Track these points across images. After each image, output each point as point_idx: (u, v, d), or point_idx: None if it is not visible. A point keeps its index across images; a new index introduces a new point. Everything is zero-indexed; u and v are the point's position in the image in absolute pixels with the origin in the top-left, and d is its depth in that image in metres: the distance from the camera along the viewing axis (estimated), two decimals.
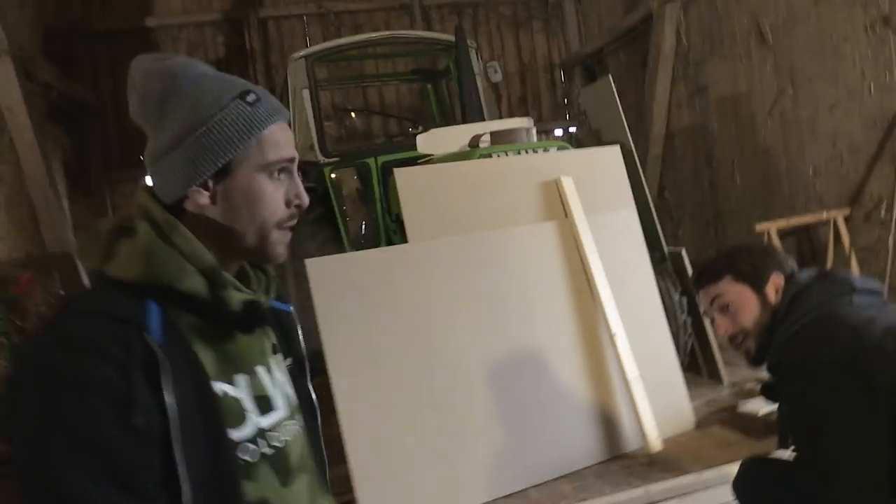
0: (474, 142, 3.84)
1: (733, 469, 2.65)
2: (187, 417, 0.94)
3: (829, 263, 5.11)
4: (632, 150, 4.18)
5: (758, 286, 1.69)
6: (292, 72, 5.41)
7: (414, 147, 4.20)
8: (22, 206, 6.26)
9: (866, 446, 1.39)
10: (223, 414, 1.01)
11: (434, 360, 2.94)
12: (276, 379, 1.16)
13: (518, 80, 9.10)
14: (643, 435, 3.15)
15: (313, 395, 1.28)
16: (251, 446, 1.05)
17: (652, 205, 4.33)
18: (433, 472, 2.80)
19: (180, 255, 1.01)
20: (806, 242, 5.61)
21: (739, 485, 1.76)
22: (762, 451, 1.72)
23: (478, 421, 2.95)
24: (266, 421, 1.10)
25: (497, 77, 5.90)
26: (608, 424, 3.20)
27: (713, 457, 3.00)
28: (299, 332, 1.29)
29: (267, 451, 1.08)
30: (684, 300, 4.01)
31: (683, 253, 4.23)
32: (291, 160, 1.09)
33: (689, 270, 4.25)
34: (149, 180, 1.09)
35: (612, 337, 3.23)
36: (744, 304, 1.69)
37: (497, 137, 3.73)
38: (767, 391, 1.73)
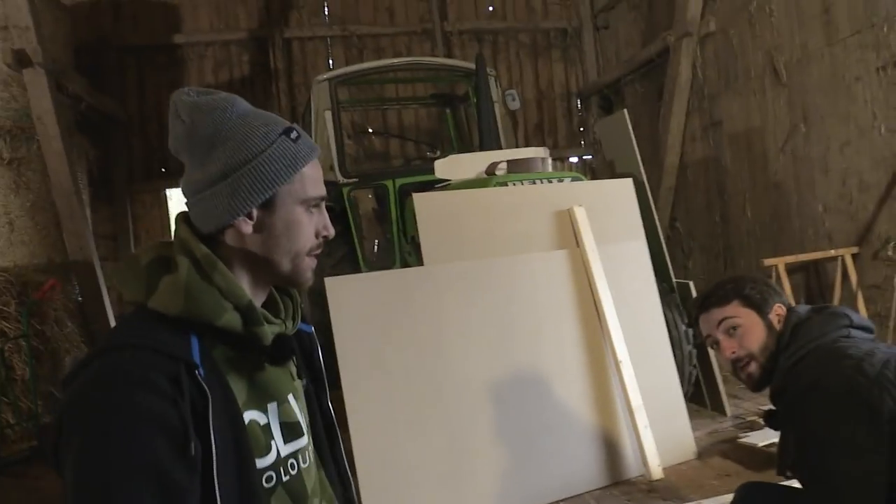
0: (491, 169, 3.96)
1: (728, 498, 2.73)
2: (225, 448, 1.01)
3: (836, 300, 5.17)
4: (644, 183, 4.28)
5: (763, 313, 1.75)
6: (316, 93, 5.56)
7: (431, 171, 4.31)
8: (46, 213, 6.42)
9: (869, 472, 1.45)
10: (252, 444, 1.08)
11: (444, 379, 3.03)
12: (301, 404, 1.24)
13: (535, 107, 9.24)
14: (644, 462, 3.22)
15: (332, 416, 1.34)
16: (272, 473, 1.12)
17: (662, 237, 4.42)
18: (438, 490, 2.88)
19: (218, 293, 1.07)
20: (814, 278, 5.67)
21: None
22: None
23: (483, 441, 3.03)
24: (289, 448, 1.17)
25: (515, 105, 6.03)
26: (610, 450, 3.27)
27: (713, 487, 3.07)
28: (319, 352, 1.36)
29: (285, 478, 1.14)
30: (690, 332, 4.08)
31: (691, 285, 4.31)
32: (324, 197, 1.20)
33: None
34: (186, 208, 1.15)
35: (617, 364, 3.31)
36: (751, 328, 1.75)
37: (514, 166, 3.85)
38: (769, 419, 1.77)
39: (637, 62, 7.95)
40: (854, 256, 5.11)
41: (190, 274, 1.07)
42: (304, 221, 1.15)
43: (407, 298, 3.06)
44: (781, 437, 1.70)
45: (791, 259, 5.25)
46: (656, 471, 3.20)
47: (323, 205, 1.19)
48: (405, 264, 4.69)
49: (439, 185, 4.27)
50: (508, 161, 3.89)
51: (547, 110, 9.28)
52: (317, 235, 1.18)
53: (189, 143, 1.12)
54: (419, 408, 2.95)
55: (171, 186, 8.71)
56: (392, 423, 2.90)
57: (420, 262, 3.28)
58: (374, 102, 8.11)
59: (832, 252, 5.18)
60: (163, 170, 8.56)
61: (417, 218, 3.26)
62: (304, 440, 1.21)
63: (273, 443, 1.13)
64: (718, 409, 4.05)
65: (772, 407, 1.79)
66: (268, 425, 1.13)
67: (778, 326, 1.74)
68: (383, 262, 5.17)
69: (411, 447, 2.85)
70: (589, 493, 3.12)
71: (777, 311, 1.76)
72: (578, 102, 9.41)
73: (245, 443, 1.06)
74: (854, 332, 1.67)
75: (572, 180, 3.77)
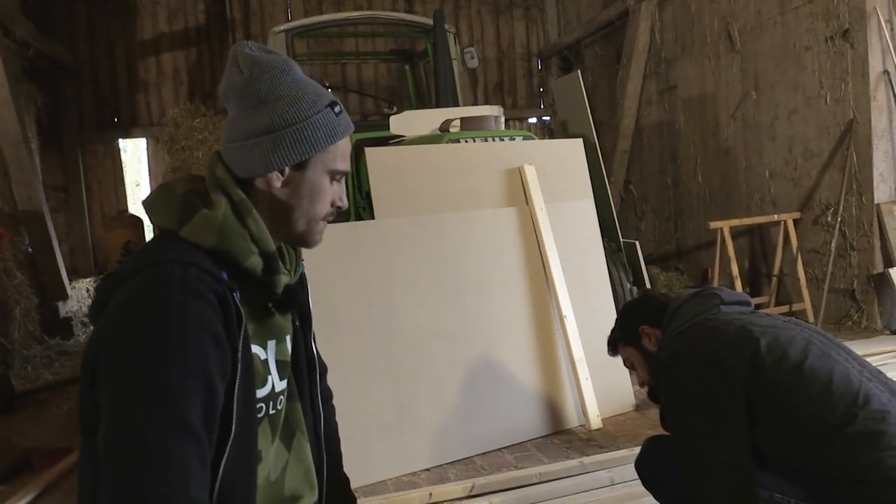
0: (444, 126, 3.99)
1: None
2: (244, 371, 1.11)
3: (778, 263, 5.38)
4: (595, 144, 4.36)
5: (636, 345, 1.98)
6: (272, 45, 5.47)
7: (388, 127, 4.32)
8: None
9: (725, 428, 1.63)
10: (255, 373, 1.18)
11: (392, 332, 3.10)
12: (294, 345, 1.34)
13: (496, 66, 9.23)
14: (584, 413, 3.36)
15: (315, 351, 1.43)
16: (263, 405, 1.22)
17: (611, 197, 4.53)
18: (385, 438, 2.97)
19: (248, 236, 1.17)
20: (758, 242, 5.87)
21: (640, 462, 1.97)
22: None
23: (429, 392, 3.12)
24: (281, 385, 1.29)
25: (474, 63, 6.04)
26: (552, 401, 3.40)
27: (647, 436, 3.21)
28: (309, 292, 1.44)
29: (271, 411, 1.25)
30: (634, 290, 4.23)
31: (637, 245, 4.44)
32: (347, 172, 1.29)
33: (643, 262, 4.47)
34: (224, 151, 1.22)
35: (562, 319, 3.42)
36: (635, 361, 2.01)
37: (466, 123, 3.88)
38: (652, 394, 2.00)
39: (597, 24, 7.98)
40: (796, 221, 5.30)
41: (227, 214, 1.16)
42: (326, 189, 1.25)
43: (356, 252, 3.10)
44: (661, 408, 1.88)
45: (736, 222, 5.43)
46: (595, 421, 3.34)
47: (343, 179, 1.29)
48: (359, 219, 4.72)
49: (394, 140, 4.28)
50: (462, 118, 3.92)
51: (507, 70, 9.28)
52: (332, 204, 1.27)
53: (242, 93, 1.19)
54: (366, 359, 3.01)
55: (124, 137, 8.52)
56: (339, 374, 2.95)
57: (373, 217, 3.32)
58: (332, 56, 8.01)
59: (775, 217, 5.37)
60: (115, 120, 8.36)
61: (370, 172, 3.28)
62: (289, 380, 1.33)
63: (269, 377, 1.24)
64: None
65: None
66: (266, 361, 1.24)
67: (651, 346, 1.94)
68: (339, 217, 5.17)
69: (358, 397, 2.92)
70: (530, 442, 3.25)
71: (644, 333, 1.95)
72: (539, 63, 9.42)
73: (252, 371, 1.16)
74: (725, 308, 1.85)
75: (524, 139, 3.82)
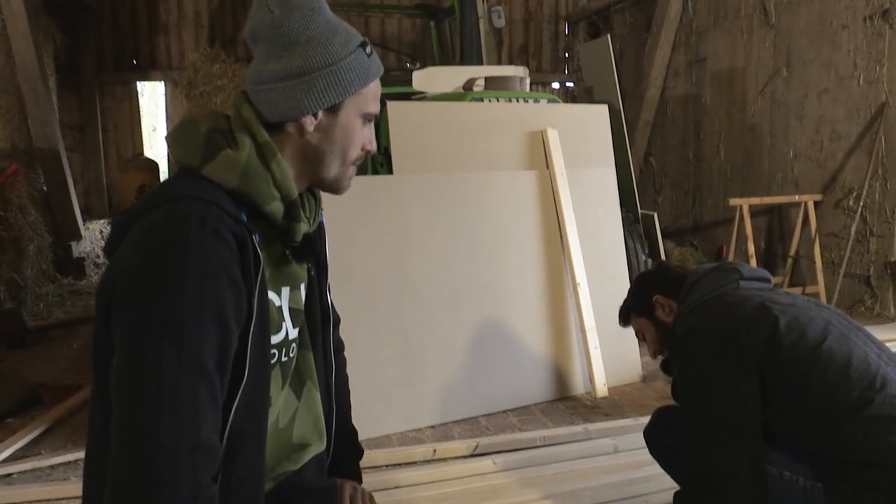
0: (468, 85, 3.92)
1: None
2: (260, 315, 1.09)
3: (794, 245, 5.31)
4: (620, 112, 4.28)
5: (649, 315, 1.95)
6: None
7: (410, 83, 4.25)
8: (10, 96, 6.22)
9: (738, 406, 1.61)
10: (270, 319, 1.16)
11: (405, 287, 3.09)
12: (308, 295, 1.32)
13: (522, 28, 9.06)
14: (591, 380, 3.36)
15: (330, 302, 1.41)
16: (276, 351, 1.21)
17: (632, 168, 4.47)
18: (392, 394, 2.98)
19: (271, 180, 1.14)
20: (776, 222, 5.80)
21: (649, 430, 1.97)
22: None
23: (439, 351, 3.12)
24: (294, 332, 1.27)
25: (500, 22, 5.90)
26: (560, 367, 3.40)
27: (652, 407, 3.17)
28: (326, 241, 1.42)
29: (284, 358, 1.24)
30: (649, 262, 4.19)
31: (655, 217, 4.39)
32: (377, 115, 1.25)
33: (660, 234, 4.42)
34: (252, 93, 1.18)
35: (575, 287, 3.40)
36: (647, 332, 1.98)
37: (491, 83, 3.81)
38: (665, 366, 1.97)
39: None
40: (816, 204, 5.22)
41: (251, 156, 1.13)
42: (358, 132, 1.22)
43: (374, 206, 3.08)
44: (673, 380, 1.87)
45: (756, 201, 5.35)
46: (601, 389, 3.34)
47: (373, 122, 1.26)
48: (376, 174, 4.68)
49: (416, 96, 4.22)
50: (486, 78, 3.85)
51: (533, 32, 9.11)
52: (363, 148, 1.24)
53: (272, 34, 1.15)
54: (377, 313, 3.01)
55: (142, 79, 8.47)
56: (349, 326, 2.95)
57: (391, 173, 3.28)
58: (356, 7, 7.88)
59: (796, 198, 5.29)
60: (134, 62, 8.29)
61: (390, 127, 3.24)
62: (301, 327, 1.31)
63: (284, 324, 1.23)
64: None
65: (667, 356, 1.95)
66: (280, 308, 1.22)
67: (665, 317, 1.90)
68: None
69: (367, 351, 2.92)
70: (536, 406, 3.26)
71: (658, 303, 1.92)
72: (566, 27, 9.24)
73: (267, 315, 1.14)
74: (744, 284, 1.81)
75: (548, 102, 3.75)
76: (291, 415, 1.29)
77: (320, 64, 1.14)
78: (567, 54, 9.24)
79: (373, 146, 1.26)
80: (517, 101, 3.68)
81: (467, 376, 3.16)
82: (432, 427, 3.00)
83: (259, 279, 1.09)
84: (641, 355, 3.66)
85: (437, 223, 3.21)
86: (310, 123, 1.16)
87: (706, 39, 6.70)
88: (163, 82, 8.46)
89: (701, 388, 1.68)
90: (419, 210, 3.18)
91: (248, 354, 1.06)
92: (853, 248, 4.92)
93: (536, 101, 3.71)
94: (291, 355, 1.27)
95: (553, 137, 3.48)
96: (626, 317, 2.06)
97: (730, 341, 1.64)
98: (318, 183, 1.25)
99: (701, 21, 6.77)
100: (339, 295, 2.92)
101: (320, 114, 1.17)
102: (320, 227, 1.37)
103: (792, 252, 5.36)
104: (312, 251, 1.26)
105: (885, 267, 4.78)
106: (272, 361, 1.20)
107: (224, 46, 8.07)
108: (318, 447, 1.34)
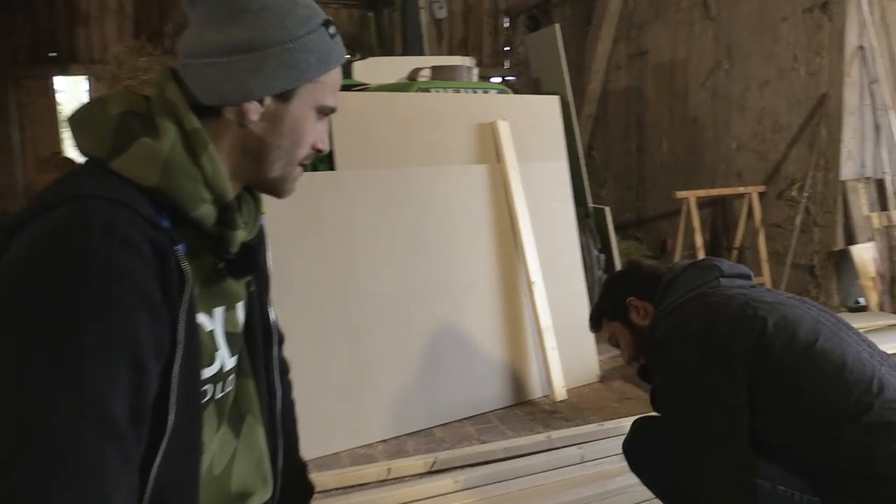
0: (414, 75, 3.73)
1: (629, 422, 2.76)
2: (188, 346, 0.87)
3: (739, 236, 5.32)
4: (569, 103, 4.16)
5: (623, 319, 1.81)
6: None
7: (349, 74, 4.03)
8: None
9: (725, 409, 1.48)
10: (201, 349, 0.93)
11: (351, 292, 2.88)
12: (248, 314, 1.10)
13: (461, 21, 8.92)
14: (549, 383, 3.22)
15: (272, 317, 1.19)
16: (209, 387, 0.98)
17: (582, 161, 4.36)
18: (340, 407, 2.77)
19: (201, 179, 0.91)
20: (720, 213, 5.81)
21: (629, 444, 1.82)
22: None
23: (389, 358, 2.93)
24: (232, 362, 1.04)
25: (442, 13, 5.71)
26: (517, 371, 3.25)
27: (613, 409, 3.11)
28: (267, 247, 1.20)
29: (219, 394, 1.02)
30: (602, 257, 4.09)
31: (607, 211, 4.29)
32: (335, 110, 1.04)
33: (612, 229, 4.33)
34: (183, 69, 0.95)
35: (530, 285, 3.25)
36: (621, 337, 1.83)
37: (438, 73, 3.63)
38: (642, 373, 1.83)
39: None
40: (760, 195, 5.24)
41: (176, 147, 0.90)
42: (309, 127, 1.01)
43: (315, 204, 2.85)
44: (652, 388, 1.72)
45: (702, 193, 5.33)
46: (560, 392, 3.21)
47: (327, 118, 1.05)
48: (316, 170, 4.45)
49: (357, 87, 4.00)
50: (433, 67, 3.66)
51: (473, 25, 8.98)
52: (313, 146, 1.04)
53: None
54: (321, 321, 2.79)
55: (61, 73, 7.94)
56: (291, 337, 2.72)
57: (332, 168, 3.06)
58: None
59: (741, 189, 5.30)
60: (52, 54, 7.77)
61: (332, 119, 3.01)
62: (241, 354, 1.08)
63: (218, 354, 1.00)
64: None
65: (644, 361, 1.81)
66: (213, 333, 1.00)
67: (640, 320, 1.77)
68: None
69: (311, 363, 2.70)
70: (493, 413, 3.10)
71: (632, 305, 1.78)
72: (506, 20, 9.14)
73: (197, 346, 0.91)
74: (724, 282, 1.68)
75: (498, 93, 3.59)
76: (229, 458, 1.06)
77: (274, 39, 0.93)
78: (507, 48, 9.14)
79: (325, 145, 1.05)
80: (466, 91, 3.50)
81: (419, 385, 2.97)
82: (384, 441, 2.80)
83: (185, 300, 0.86)
84: (598, 354, 3.55)
85: (384, 221, 3.01)
86: (254, 111, 0.95)
87: (647, 32, 6.68)
88: (85, 77, 7.97)
89: (684, 396, 1.53)
90: (364, 208, 2.97)
91: (173, 396, 0.84)
92: (798, 239, 4.95)
93: (486, 91, 3.55)
94: (228, 389, 1.04)
95: (504, 130, 3.32)
96: (597, 322, 1.90)
97: (715, 345, 1.50)
98: (257, 183, 1.03)
99: (642, 14, 6.75)
100: (278, 302, 2.67)
101: (268, 100, 0.95)
102: (260, 233, 1.15)
103: (737, 244, 5.37)
104: (252, 263, 1.03)
105: (828, 257, 4.82)
106: (204, 400, 0.97)
107: (150, 38, 7.65)
108: (263, 495, 1.11)
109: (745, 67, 5.45)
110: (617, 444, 2.54)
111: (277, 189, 1.04)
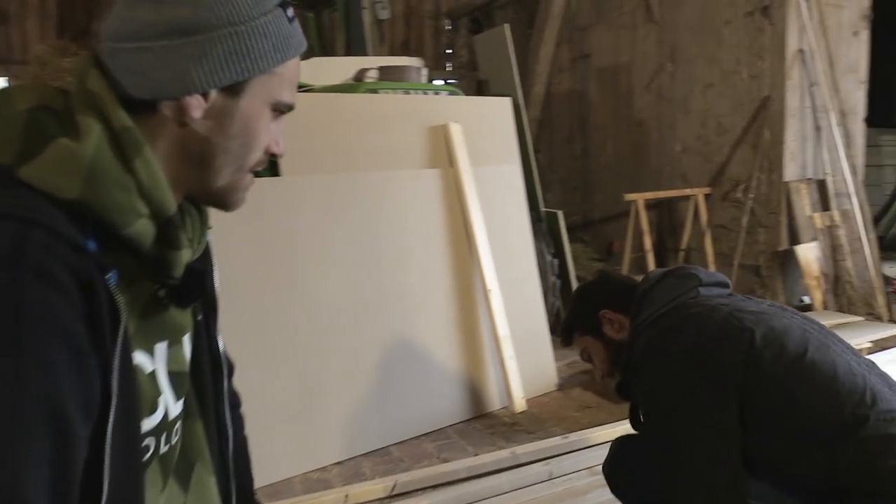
0: (360, 76, 3.57)
1: (596, 434, 2.68)
2: (123, 395, 0.70)
3: (686, 237, 5.35)
4: (520, 105, 4.08)
5: (595, 332, 1.72)
6: None
7: None
8: None
9: (714, 428, 1.39)
10: (140, 396, 0.77)
11: (298, 306, 2.70)
12: (194, 346, 0.93)
13: (403, 23, 8.78)
14: (508, 394, 3.11)
15: (221, 348, 1.02)
16: (151, 441, 0.82)
17: (534, 164, 4.28)
18: (290, 429, 2.59)
19: (135, 188, 0.74)
20: (667, 216, 5.83)
21: (609, 465, 1.72)
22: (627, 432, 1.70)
23: (340, 374, 2.76)
24: (177, 408, 0.87)
25: (385, 14, 5.59)
26: (474, 383, 3.12)
27: (574, 418, 3.02)
28: (214, 267, 1.02)
29: (163, 448, 0.85)
30: (556, 262, 4.01)
31: (560, 215, 4.22)
32: (292, 108, 0.87)
33: (564, 233, 4.26)
34: (109, 55, 0.77)
35: (486, 293, 3.13)
36: (595, 352, 1.74)
37: (386, 73, 3.49)
38: (622, 389, 1.73)
39: None
40: (706, 197, 5.28)
41: (101, 149, 0.72)
42: (263, 127, 0.84)
43: (257, 213, 2.66)
44: (631, 406, 1.61)
45: (650, 195, 5.34)
46: (520, 403, 3.10)
47: (283, 117, 0.87)
48: (258, 176, 4.24)
49: (300, 89, 3.82)
50: (381, 68, 3.52)
51: (415, 27, 8.86)
52: (266, 150, 0.87)
53: None
54: (267, 337, 2.60)
55: None
56: (235, 356, 2.54)
57: (275, 174, 2.88)
58: None
59: (687, 191, 5.33)
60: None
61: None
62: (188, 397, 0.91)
63: (161, 399, 0.83)
64: None
65: (623, 377, 1.71)
66: (154, 374, 0.82)
67: (615, 334, 1.68)
68: None
69: (257, 383, 2.51)
70: (451, 427, 2.97)
71: (605, 318, 1.69)
72: (448, 23, 9.05)
73: (135, 394, 0.75)
74: (704, 291, 1.60)
75: (449, 94, 3.47)
76: None
77: (221, 20, 0.76)
78: (449, 51, 9.05)
79: (280, 149, 0.88)
80: (416, 93, 3.37)
81: (374, 401, 2.81)
82: (339, 464, 2.63)
83: (119, 340, 0.70)
84: (556, 361, 3.46)
85: (332, 230, 2.84)
86: (196, 106, 0.78)
87: (590, 35, 6.69)
88: (4, 78, 7.50)
89: (672, 415, 1.43)
90: (310, 216, 2.80)
91: (107, 461, 0.68)
92: (744, 240, 4.99)
93: (436, 93, 3.42)
94: (174, 441, 0.87)
95: (456, 132, 3.19)
96: (568, 336, 1.79)
97: (702, 360, 1.41)
98: (200, 193, 0.86)
99: (585, 17, 6.75)
100: (219, 318, 2.45)
101: (214, 94, 0.78)
102: (206, 251, 0.97)
103: (683, 245, 5.40)
104: (199, 288, 0.87)
105: (773, 257, 4.88)
106: (146, 457, 0.80)
107: (75, 38, 7.24)
108: None
109: (688, 70, 5.49)
110: (584, 458, 2.46)
111: (224, 200, 0.87)
